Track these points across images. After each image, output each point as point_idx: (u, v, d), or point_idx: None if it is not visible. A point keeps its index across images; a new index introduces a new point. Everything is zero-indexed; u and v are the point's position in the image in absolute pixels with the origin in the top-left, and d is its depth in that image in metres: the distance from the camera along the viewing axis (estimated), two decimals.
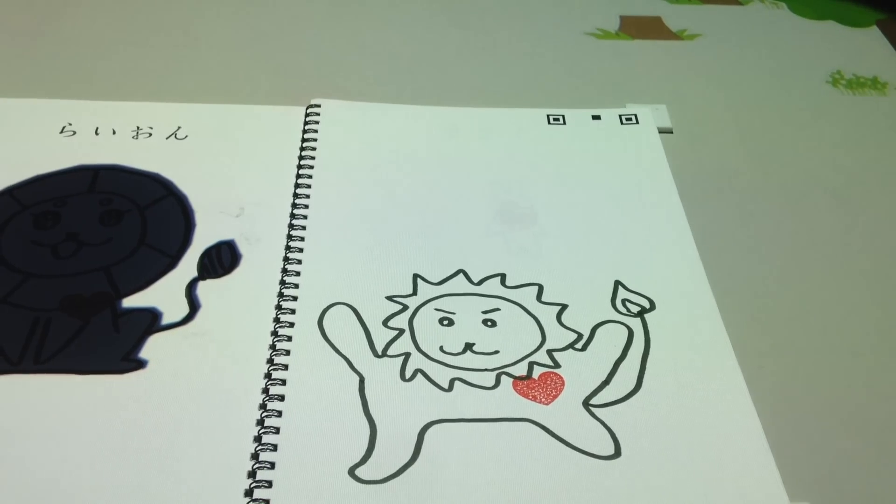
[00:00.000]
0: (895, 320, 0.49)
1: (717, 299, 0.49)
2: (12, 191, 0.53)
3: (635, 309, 0.48)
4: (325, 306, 0.47)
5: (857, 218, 0.55)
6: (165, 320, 0.46)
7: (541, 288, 0.49)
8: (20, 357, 0.44)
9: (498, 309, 0.48)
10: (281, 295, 0.47)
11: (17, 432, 0.40)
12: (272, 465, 0.39)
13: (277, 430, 0.41)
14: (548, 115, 0.61)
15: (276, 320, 0.46)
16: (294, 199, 0.53)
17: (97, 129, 0.57)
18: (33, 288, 0.47)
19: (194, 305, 0.47)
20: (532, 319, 0.47)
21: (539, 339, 0.46)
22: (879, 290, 0.51)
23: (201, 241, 0.50)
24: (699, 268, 0.50)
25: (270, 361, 0.44)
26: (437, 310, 0.47)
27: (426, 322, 0.47)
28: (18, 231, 0.50)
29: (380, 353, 0.45)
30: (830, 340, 0.48)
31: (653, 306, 0.48)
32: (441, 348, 0.45)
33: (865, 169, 0.59)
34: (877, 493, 0.41)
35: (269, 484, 0.39)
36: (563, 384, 0.44)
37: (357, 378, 0.44)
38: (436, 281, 0.49)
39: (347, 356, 0.45)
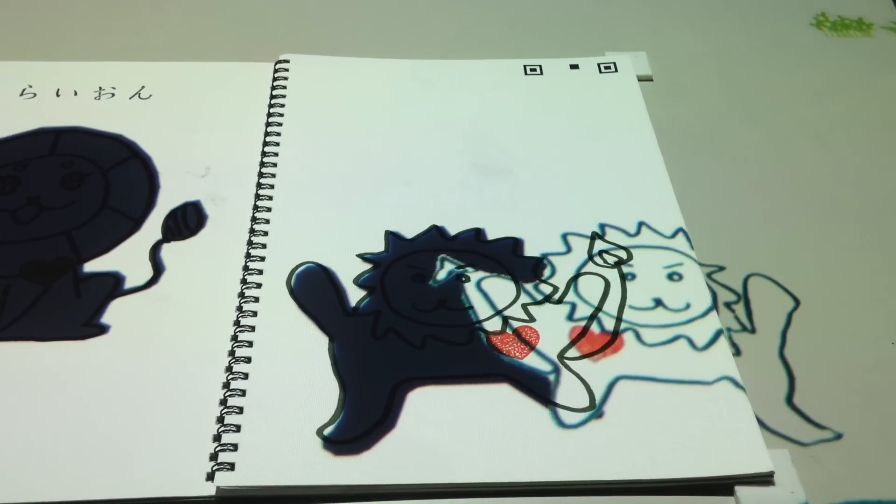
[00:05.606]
0: (880, 264, 0.48)
1: (696, 249, 0.47)
2: None
3: (612, 260, 0.47)
4: (293, 266, 0.46)
5: (842, 162, 0.54)
6: (128, 284, 0.45)
7: (516, 242, 0.48)
8: None
9: (472, 264, 0.46)
10: (248, 255, 0.46)
11: None
12: (238, 428, 0.38)
13: (244, 393, 0.40)
14: (524, 66, 0.60)
15: (244, 281, 0.45)
16: (262, 158, 0.52)
17: (58, 90, 0.56)
18: None
19: (158, 268, 0.45)
20: (507, 274, 0.46)
21: (514, 294, 0.45)
22: (864, 233, 0.49)
23: (166, 203, 0.49)
24: (678, 217, 0.49)
25: (237, 323, 0.43)
26: (410, 266, 0.46)
27: (398, 279, 0.45)
28: None
29: (350, 312, 0.44)
30: (813, 288, 0.46)
31: (630, 257, 0.47)
32: (413, 305, 0.44)
33: (850, 113, 0.57)
34: (856, 437, 0.40)
35: (235, 447, 0.38)
36: (537, 338, 0.43)
37: (326, 338, 0.42)
38: (409, 237, 0.48)
39: (317, 316, 0.43)
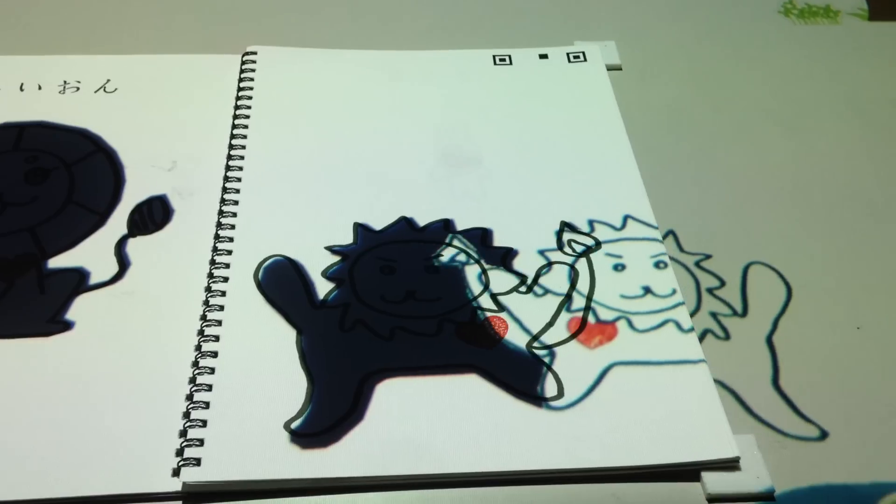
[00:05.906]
0: (845, 251, 0.48)
1: (664, 237, 0.48)
2: None
3: (581, 249, 0.47)
4: (261, 259, 0.45)
5: (809, 150, 0.54)
6: (93, 280, 0.44)
7: (485, 232, 0.48)
8: None
9: (441, 255, 0.46)
10: (215, 249, 0.46)
11: None
12: (204, 424, 0.38)
13: (210, 388, 0.39)
14: (494, 56, 0.59)
15: (210, 275, 0.44)
16: (229, 151, 0.51)
17: (22, 84, 0.55)
18: None
19: (124, 263, 0.45)
20: (476, 264, 0.46)
21: (483, 284, 0.45)
22: (830, 220, 0.50)
23: (132, 197, 0.48)
24: (647, 206, 0.49)
25: (204, 318, 0.42)
26: (378, 258, 0.46)
27: (367, 271, 0.45)
28: None
29: (318, 304, 0.44)
30: (782, 273, 0.47)
31: (599, 246, 0.47)
32: (382, 297, 0.44)
33: (817, 100, 0.58)
34: (830, 427, 0.40)
35: (201, 442, 0.37)
36: (506, 328, 0.43)
37: (294, 331, 0.42)
38: (378, 229, 0.48)
39: (284, 309, 0.43)
